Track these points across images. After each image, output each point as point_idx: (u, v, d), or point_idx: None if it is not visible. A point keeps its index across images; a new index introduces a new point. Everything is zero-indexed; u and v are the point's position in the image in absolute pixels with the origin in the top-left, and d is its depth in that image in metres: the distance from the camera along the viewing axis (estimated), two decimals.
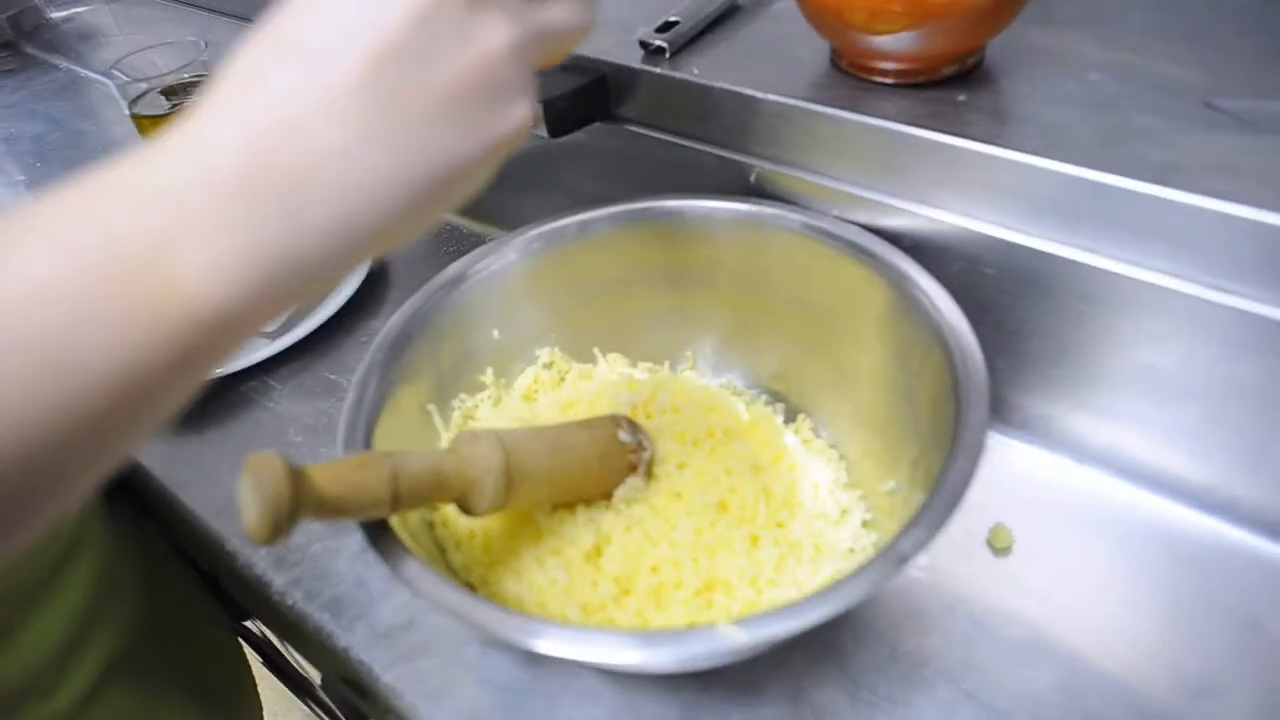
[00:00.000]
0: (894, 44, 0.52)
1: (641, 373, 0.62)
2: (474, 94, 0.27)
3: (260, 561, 0.58)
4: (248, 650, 0.90)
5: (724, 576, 0.48)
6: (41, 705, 0.53)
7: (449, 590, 0.39)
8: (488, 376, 0.58)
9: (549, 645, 0.36)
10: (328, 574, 0.57)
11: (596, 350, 0.62)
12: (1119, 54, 0.55)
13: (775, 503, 0.51)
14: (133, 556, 0.66)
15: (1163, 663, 0.48)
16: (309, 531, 0.59)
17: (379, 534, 0.42)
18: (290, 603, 0.56)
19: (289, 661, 0.96)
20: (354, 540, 0.58)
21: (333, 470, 0.40)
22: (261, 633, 0.90)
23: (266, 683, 0.90)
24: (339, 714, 0.94)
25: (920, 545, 0.38)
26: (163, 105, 0.70)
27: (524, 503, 0.47)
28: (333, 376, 0.71)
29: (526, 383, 0.60)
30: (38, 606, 0.54)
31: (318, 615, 0.55)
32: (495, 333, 0.58)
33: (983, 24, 0.51)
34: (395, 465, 0.41)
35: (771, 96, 0.55)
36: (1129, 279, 0.48)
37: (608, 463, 0.49)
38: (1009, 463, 0.58)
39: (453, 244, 0.84)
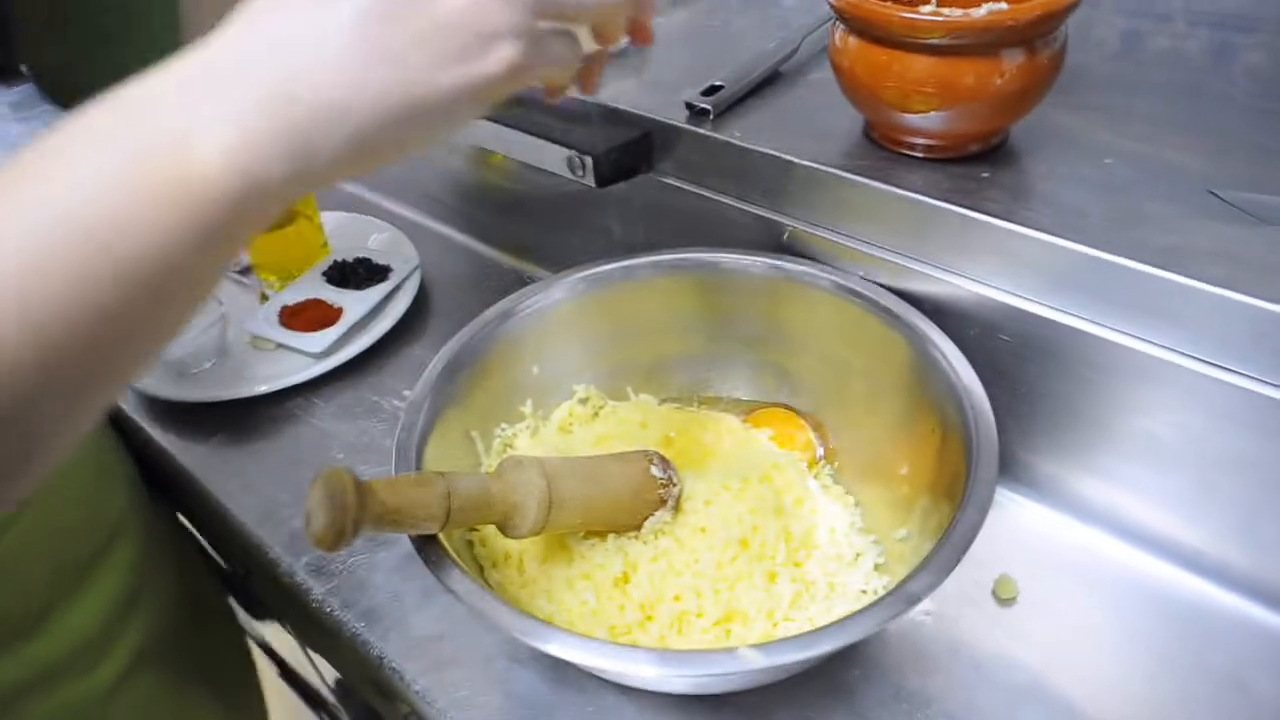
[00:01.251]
0: (924, 122, 0.56)
1: (671, 411, 0.65)
2: (459, 29, 0.30)
3: (301, 570, 0.62)
4: (260, 658, 0.93)
5: (742, 609, 0.51)
6: (81, 682, 0.57)
7: (493, 601, 0.42)
8: (527, 408, 0.62)
9: (581, 656, 0.39)
10: (365, 585, 0.60)
11: (629, 388, 0.66)
12: (1132, 141, 0.59)
13: (794, 542, 0.55)
14: (168, 551, 0.70)
15: (1148, 715, 0.50)
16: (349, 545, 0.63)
17: (428, 548, 0.46)
18: (329, 610, 0.60)
19: (301, 671, 0.98)
20: (391, 555, 0.62)
21: (393, 485, 0.43)
22: (267, 643, 0.93)
23: (273, 688, 0.92)
24: None
25: (929, 588, 0.41)
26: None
27: (560, 528, 0.50)
28: (375, 398, 0.75)
29: (562, 415, 0.63)
30: (79, 588, 0.58)
31: (354, 624, 0.58)
32: (535, 369, 0.62)
33: (1008, 109, 0.56)
34: (449, 484, 0.45)
35: (807, 162, 0.60)
36: (1132, 351, 0.51)
37: (639, 495, 0.53)
38: (1016, 518, 0.61)
39: (494, 278, 0.88)
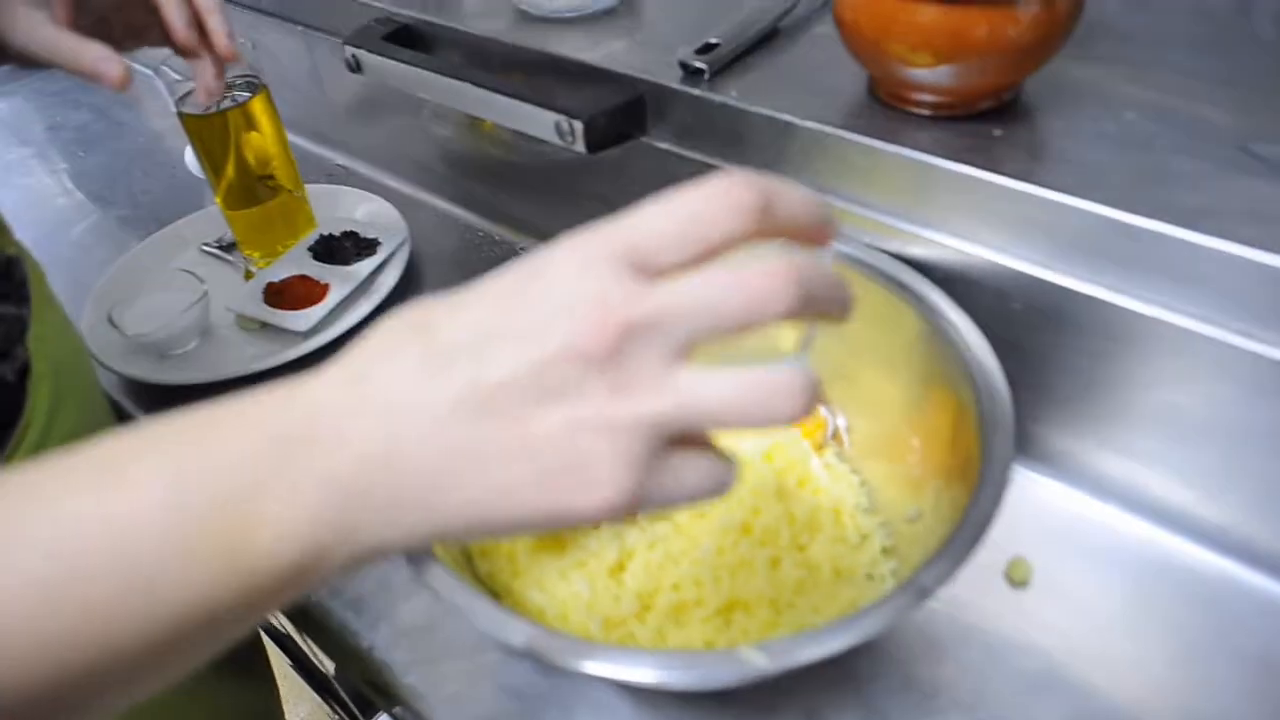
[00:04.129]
0: (932, 77, 0.53)
1: None
2: (554, 452, 0.25)
3: None
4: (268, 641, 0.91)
5: (743, 598, 0.49)
6: None
7: (470, 594, 0.40)
8: None
9: (573, 661, 0.37)
10: (352, 574, 0.58)
11: None
12: (1156, 94, 0.55)
13: (797, 525, 0.52)
14: None
15: (1173, 701, 0.48)
16: None
17: None
18: (315, 599, 0.58)
19: (305, 653, 0.97)
20: None
21: None
22: (281, 626, 0.91)
23: (283, 671, 0.91)
24: (350, 705, 0.96)
25: (942, 579, 0.39)
26: (204, 105, 0.72)
27: None
28: None
29: None
30: None
31: (341, 612, 0.56)
32: None
33: (1021, 61, 0.52)
34: None
35: (808, 123, 0.56)
36: (1155, 320, 0.48)
37: None
38: (1030, 495, 0.58)
39: (485, 249, 0.85)
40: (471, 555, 0.51)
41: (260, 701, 0.81)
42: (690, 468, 0.27)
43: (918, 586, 0.38)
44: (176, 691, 0.57)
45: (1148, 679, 0.49)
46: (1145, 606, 0.52)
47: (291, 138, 0.79)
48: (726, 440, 0.55)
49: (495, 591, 0.50)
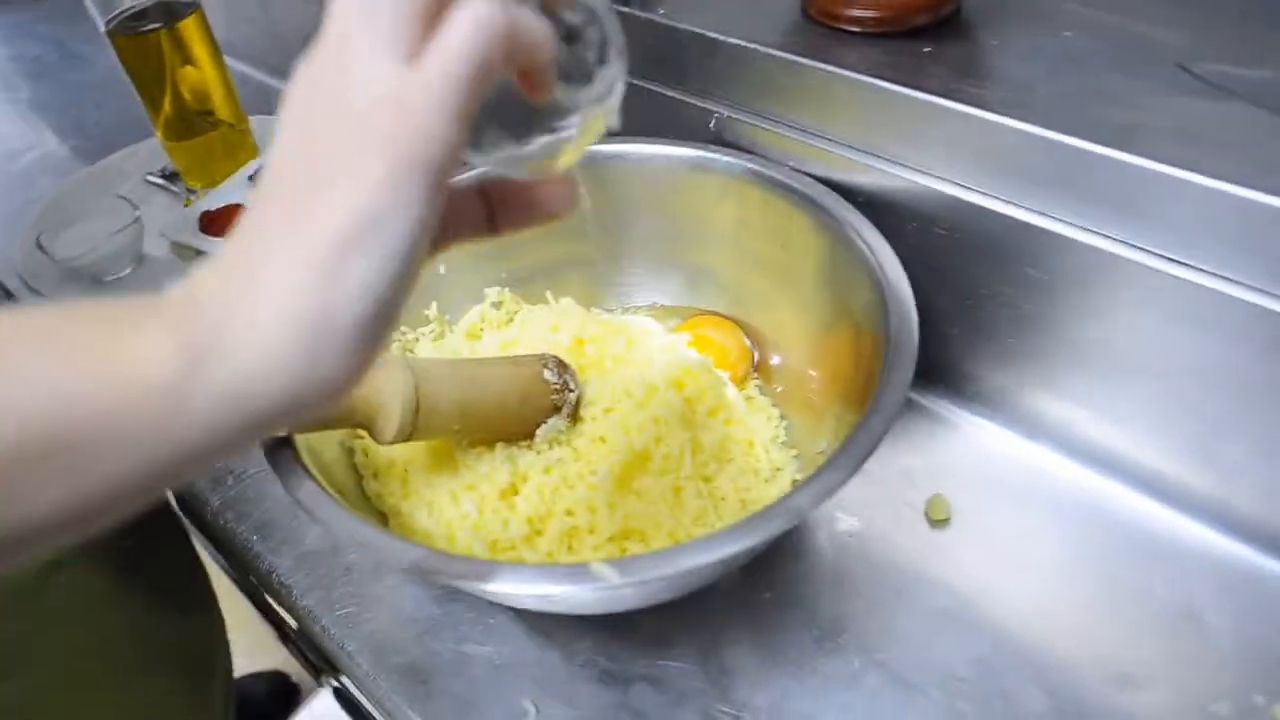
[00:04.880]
0: None
1: (594, 316, 0.60)
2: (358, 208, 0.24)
3: (199, 481, 0.59)
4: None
5: (639, 526, 0.47)
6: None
7: (334, 509, 0.39)
8: (432, 311, 0.58)
9: (400, 561, 0.36)
10: (261, 498, 0.57)
11: (549, 293, 0.61)
12: (1099, 12, 0.52)
13: (704, 455, 0.50)
14: None
15: (1088, 647, 0.46)
16: (248, 457, 0.59)
17: (278, 452, 0.42)
18: (222, 522, 0.57)
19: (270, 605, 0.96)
20: None
21: None
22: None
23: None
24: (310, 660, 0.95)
25: (815, 500, 0.37)
26: (134, 27, 0.70)
27: (435, 434, 0.46)
28: None
29: (472, 320, 0.59)
30: None
31: (246, 536, 0.55)
32: (441, 268, 0.58)
33: None
34: None
35: (733, 40, 0.54)
36: (1081, 244, 0.46)
37: (529, 402, 0.49)
38: (959, 435, 0.56)
39: None
40: (363, 475, 0.50)
41: (202, 638, 0.81)
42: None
43: (788, 508, 0.36)
44: (114, 629, 0.55)
45: (1062, 624, 0.47)
46: (1070, 551, 0.50)
47: (239, 67, 0.78)
48: (631, 368, 0.53)
49: (383, 513, 0.49)
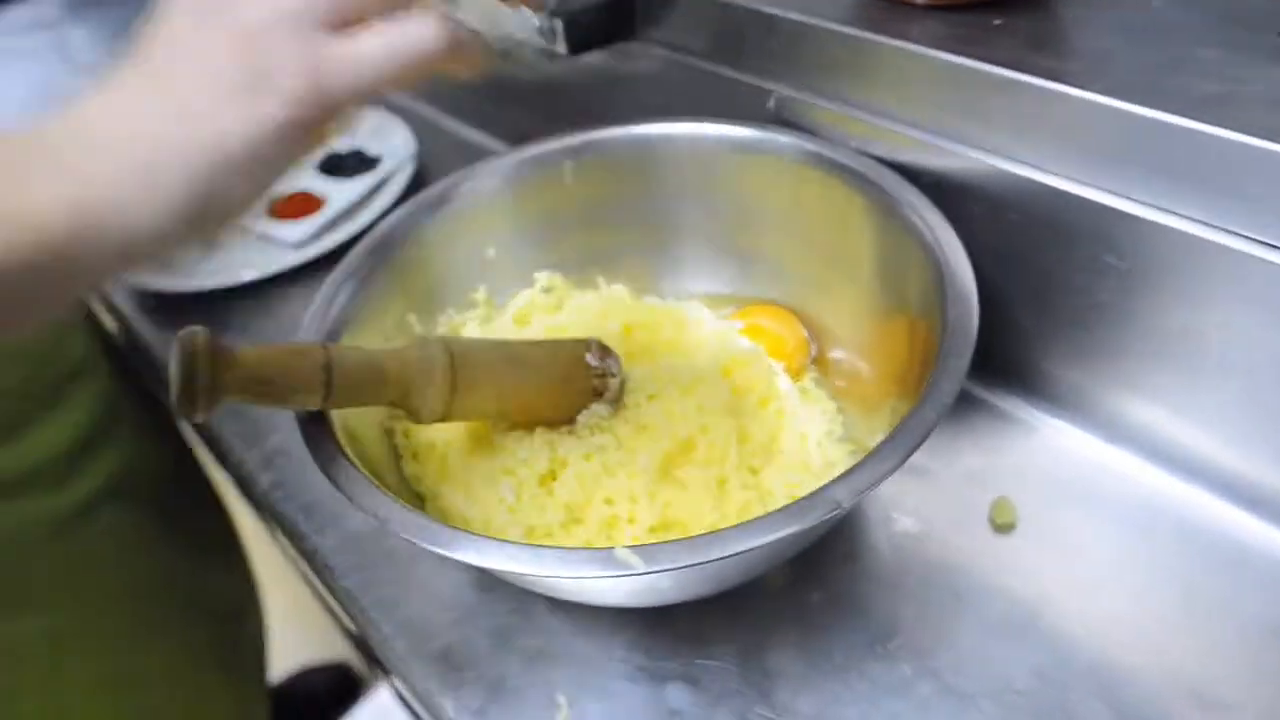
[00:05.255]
0: None
1: (644, 303, 0.59)
2: (231, 68, 0.30)
3: (250, 460, 0.59)
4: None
5: (680, 517, 0.45)
6: (46, 499, 0.61)
7: (362, 482, 0.38)
8: (480, 294, 0.57)
9: (422, 536, 0.35)
10: (309, 478, 0.57)
11: (600, 279, 0.60)
12: None
13: (751, 446, 0.48)
14: (134, 399, 0.71)
15: (1164, 663, 0.42)
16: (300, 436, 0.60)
17: (313, 427, 0.42)
18: (272, 501, 0.57)
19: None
20: None
21: (263, 353, 0.39)
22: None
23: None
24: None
25: (853, 493, 0.34)
26: None
27: (472, 415, 0.45)
28: None
29: (521, 305, 0.58)
30: (44, 414, 0.61)
31: (293, 515, 0.56)
32: (490, 251, 0.57)
33: None
34: (330, 356, 0.40)
35: (793, 16, 0.51)
36: (1165, 228, 0.42)
37: (570, 385, 0.47)
38: (1029, 435, 0.53)
39: None
40: (402, 456, 0.49)
41: (233, 594, 0.82)
42: (367, 39, 0.31)
43: (824, 498, 0.34)
44: (147, 575, 0.58)
45: (1135, 638, 0.43)
46: (1146, 561, 0.46)
47: None
48: (679, 355, 0.52)
49: (420, 495, 0.48)
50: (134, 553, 0.68)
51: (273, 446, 0.60)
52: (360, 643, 0.65)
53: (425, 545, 0.36)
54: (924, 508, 0.50)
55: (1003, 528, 0.49)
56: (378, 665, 0.65)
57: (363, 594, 0.50)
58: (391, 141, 0.81)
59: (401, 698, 0.64)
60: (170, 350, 0.37)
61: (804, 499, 0.34)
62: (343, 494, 0.39)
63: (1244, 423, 0.45)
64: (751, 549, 0.33)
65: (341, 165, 0.78)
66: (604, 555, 0.33)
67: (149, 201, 0.29)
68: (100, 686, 0.64)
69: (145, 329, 0.72)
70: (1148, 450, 0.49)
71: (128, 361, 0.76)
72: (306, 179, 0.77)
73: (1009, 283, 0.50)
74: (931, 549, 0.48)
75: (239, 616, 0.83)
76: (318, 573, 0.54)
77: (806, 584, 0.48)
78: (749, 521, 0.33)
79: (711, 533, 0.33)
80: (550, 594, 0.46)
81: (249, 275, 0.70)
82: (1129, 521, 0.48)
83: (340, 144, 0.80)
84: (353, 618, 0.51)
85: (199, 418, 0.38)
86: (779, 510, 0.34)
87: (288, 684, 1.30)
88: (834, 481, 0.35)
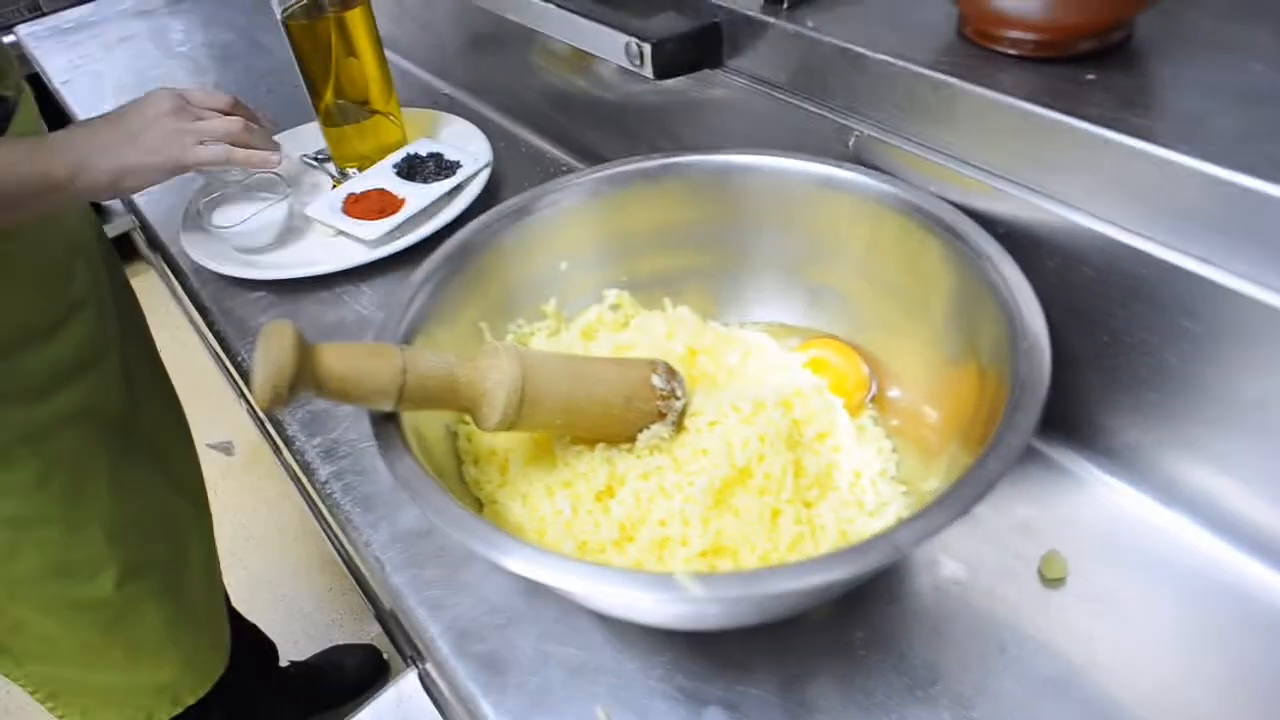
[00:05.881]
0: (1021, 8, 0.47)
1: (709, 327, 0.59)
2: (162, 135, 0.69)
3: (310, 449, 0.61)
4: None
5: (732, 544, 0.46)
6: (88, 375, 0.76)
7: (427, 483, 0.39)
8: (550, 306, 0.58)
9: (481, 545, 0.36)
10: (368, 472, 0.59)
11: (667, 300, 0.60)
12: None
13: (806, 479, 0.49)
14: (135, 341, 0.89)
15: None
16: (360, 429, 0.61)
17: (383, 426, 0.43)
18: (329, 492, 0.58)
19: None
20: None
21: (342, 352, 0.40)
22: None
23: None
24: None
25: (916, 539, 0.35)
26: (306, 15, 0.74)
27: (536, 426, 0.46)
28: None
29: (589, 320, 0.59)
30: (44, 339, 0.73)
31: (349, 508, 0.57)
32: (564, 265, 0.58)
33: None
34: (407, 359, 0.41)
35: (880, 55, 0.52)
36: (1245, 296, 0.42)
37: (634, 405, 0.48)
38: (1085, 491, 0.52)
39: None
40: (463, 460, 0.50)
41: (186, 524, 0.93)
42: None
43: (888, 542, 0.34)
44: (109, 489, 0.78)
45: (1180, 703, 0.43)
46: (1199, 629, 0.46)
47: (402, 63, 0.81)
48: (742, 383, 0.52)
49: (478, 500, 0.49)
50: (95, 464, 0.77)
51: (334, 439, 0.61)
52: (402, 637, 0.66)
53: (487, 553, 0.36)
54: (972, 555, 0.50)
55: (1052, 582, 0.48)
56: (411, 653, 0.66)
57: (412, 592, 0.51)
58: (469, 149, 0.83)
59: (426, 686, 0.66)
60: (256, 339, 0.38)
61: (864, 543, 0.34)
62: (406, 491, 0.40)
63: None
64: (808, 588, 0.33)
65: (420, 168, 0.79)
66: (665, 580, 0.34)
67: (108, 176, 0.67)
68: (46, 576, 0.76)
69: (218, 308, 0.74)
70: (1207, 517, 0.49)
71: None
72: (385, 180, 0.79)
73: (1076, 336, 0.50)
74: (977, 597, 0.48)
75: (184, 542, 0.91)
76: (368, 566, 0.55)
77: (850, 621, 0.48)
78: (809, 560, 0.34)
79: (770, 567, 0.34)
80: (596, 609, 0.47)
81: (322, 268, 0.72)
82: (1183, 588, 0.47)
83: (420, 147, 0.82)
84: (399, 615, 0.52)
85: (279, 410, 0.39)
86: (840, 551, 0.34)
87: (319, 660, 1.33)
88: (898, 527, 0.35)
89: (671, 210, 0.58)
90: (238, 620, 1.12)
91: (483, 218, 0.55)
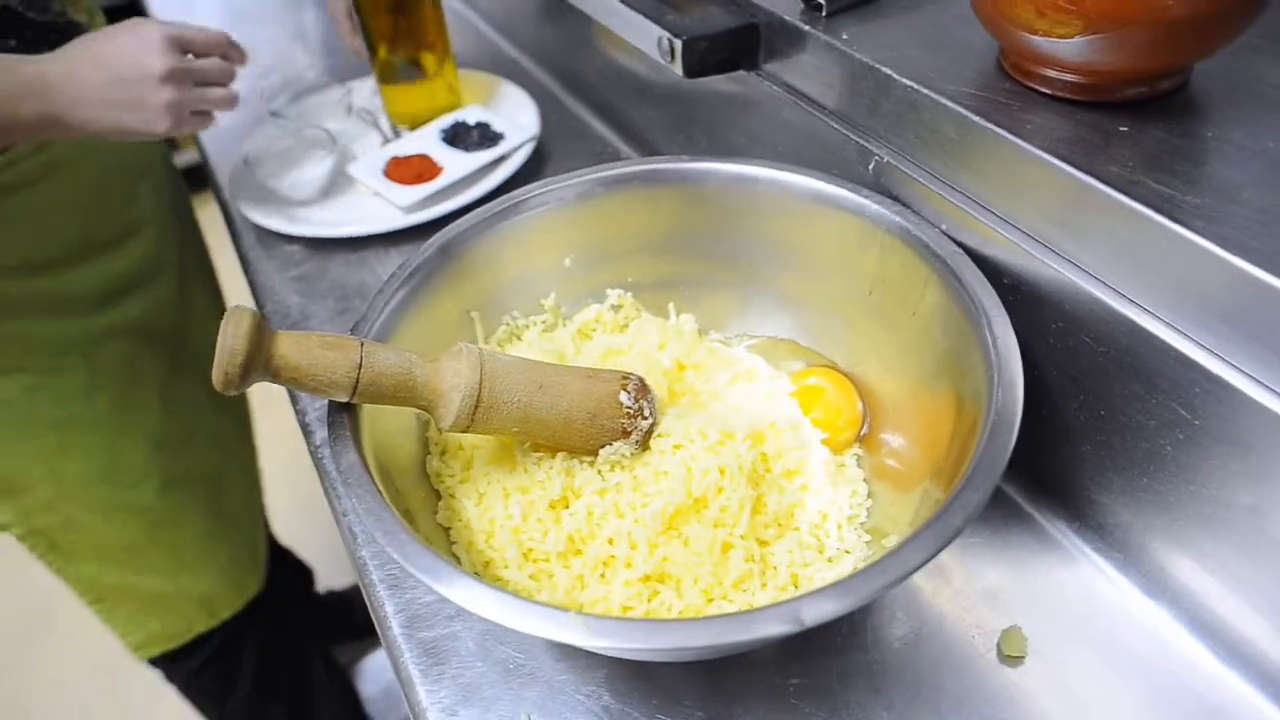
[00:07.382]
0: (1060, 49, 0.44)
1: (708, 342, 0.58)
2: (144, 102, 0.65)
3: (310, 412, 0.63)
4: None
5: (676, 573, 0.45)
6: (144, 292, 0.83)
7: (365, 483, 0.40)
8: (549, 302, 0.58)
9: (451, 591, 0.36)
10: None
11: (671, 305, 0.59)
12: None
13: (765, 517, 0.47)
14: (195, 271, 0.95)
15: None
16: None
17: (339, 416, 0.44)
18: (320, 459, 0.60)
19: None
20: None
21: (300, 342, 0.41)
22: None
23: None
24: None
25: (824, 615, 0.33)
26: None
27: (493, 431, 0.46)
28: None
29: (587, 318, 0.58)
30: (131, 239, 0.81)
31: (333, 476, 0.58)
32: (568, 261, 0.57)
33: (1179, 41, 0.42)
34: (365, 354, 0.42)
35: (909, 81, 0.49)
36: (1248, 397, 0.38)
37: (597, 421, 0.47)
38: (1064, 561, 0.50)
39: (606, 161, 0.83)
40: (430, 451, 0.51)
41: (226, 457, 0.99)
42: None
43: (788, 613, 0.33)
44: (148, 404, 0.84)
45: None
46: None
47: (480, 24, 0.81)
48: (720, 406, 0.51)
49: (437, 491, 0.50)
50: (144, 378, 0.82)
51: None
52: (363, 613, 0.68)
53: (391, 550, 0.37)
54: (931, 615, 0.48)
55: (1009, 659, 0.46)
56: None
57: (376, 568, 0.53)
58: (519, 120, 0.83)
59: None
60: (226, 316, 0.39)
61: (772, 608, 0.34)
62: (343, 485, 0.40)
63: None
64: (691, 645, 0.33)
65: (465, 136, 0.79)
66: (563, 617, 0.34)
67: (81, 131, 0.64)
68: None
69: (253, 255, 0.77)
70: (1190, 616, 0.46)
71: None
72: (430, 145, 0.79)
73: (1072, 404, 0.47)
74: (926, 662, 0.46)
75: (227, 460, 0.97)
76: (343, 535, 0.56)
77: (789, 666, 0.47)
78: (696, 620, 0.33)
79: (654, 620, 0.33)
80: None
81: (354, 230, 0.73)
82: (1149, 686, 0.44)
83: (469, 114, 0.82)
84: (363, 588, 0.53)
85: (231, 391, 0.40)
86: (737, 614, 0.34)
87: (353, 591, 1.39)
88: (810, 594, 0.34)
89: (681, 216, 0.56)
90: (276, 544, 1.18)
91: (481, 210, 0.55)
